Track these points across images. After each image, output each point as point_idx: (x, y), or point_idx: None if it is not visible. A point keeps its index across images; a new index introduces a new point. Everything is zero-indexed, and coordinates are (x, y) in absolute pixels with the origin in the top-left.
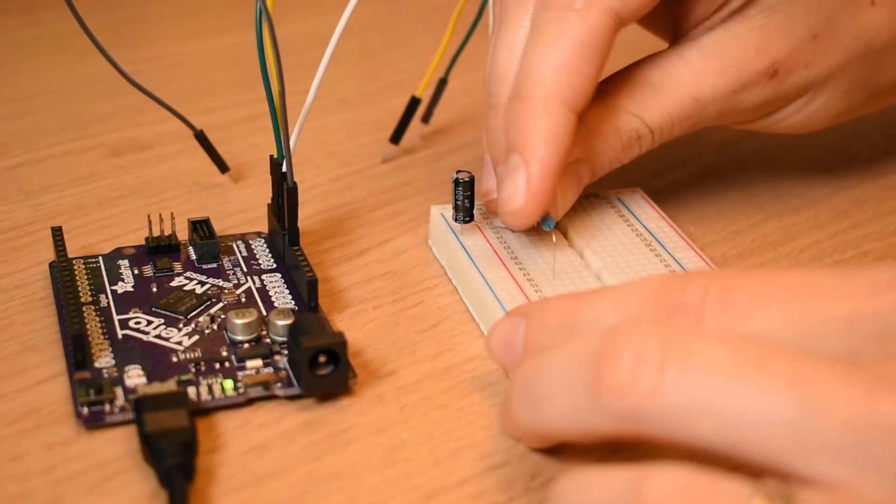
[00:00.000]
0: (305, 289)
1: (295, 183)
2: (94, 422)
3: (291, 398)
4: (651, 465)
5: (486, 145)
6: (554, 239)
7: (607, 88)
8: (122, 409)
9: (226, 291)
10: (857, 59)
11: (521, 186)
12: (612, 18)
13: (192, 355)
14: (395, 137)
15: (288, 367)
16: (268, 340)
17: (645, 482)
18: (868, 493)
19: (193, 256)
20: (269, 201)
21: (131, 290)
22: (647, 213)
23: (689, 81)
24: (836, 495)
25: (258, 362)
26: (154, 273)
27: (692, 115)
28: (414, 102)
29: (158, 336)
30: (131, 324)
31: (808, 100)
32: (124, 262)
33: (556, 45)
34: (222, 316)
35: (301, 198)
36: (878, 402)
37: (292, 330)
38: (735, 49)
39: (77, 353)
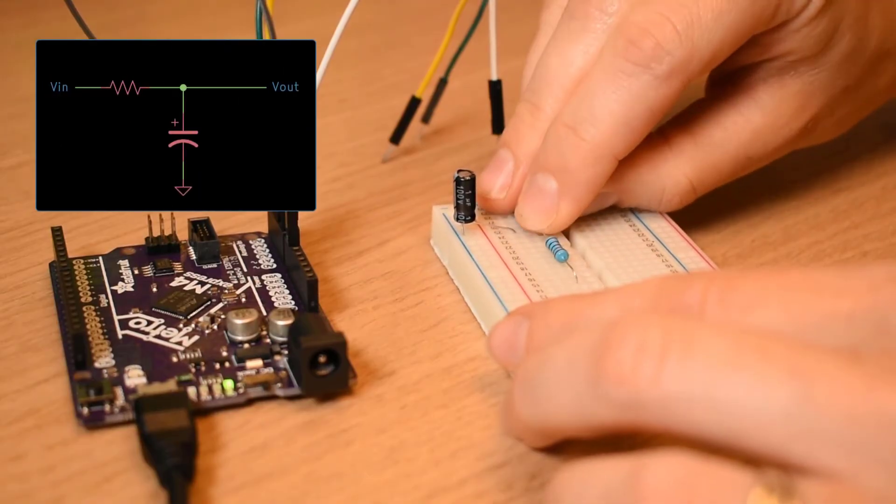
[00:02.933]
0: (305, 289)
1: None
2: (94, 422)
3: (291, 398)
4: (650, 454)
5: (504, 134)
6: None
7: (666, 135)
8: (122, 410)
9: (226, 291)
10: (858, 110)
11: (545, 207)
12: (684, 84)
13: (192, 355)
14: (396, 137)
15: (288, 367)
16: (268, 340)
17: (644, 471)
18: (868, 485)
19: (193, 256)
20: None
21: (131, 290)
22: (649, 213)
23: (748, 141)
24: (835, 486)
25: (258, 362)
26: (154, 273)
27: (738, 171)
28: (414, 102)
29: (158, 336)
30: (131, 324)
31: (819, 132)
32: (124, 262)
33: (625, 102)
34: (222, 316)
35: None
36: (879, 394)
37: (292, 330)
38: (789, 107)
39: (77, 353)
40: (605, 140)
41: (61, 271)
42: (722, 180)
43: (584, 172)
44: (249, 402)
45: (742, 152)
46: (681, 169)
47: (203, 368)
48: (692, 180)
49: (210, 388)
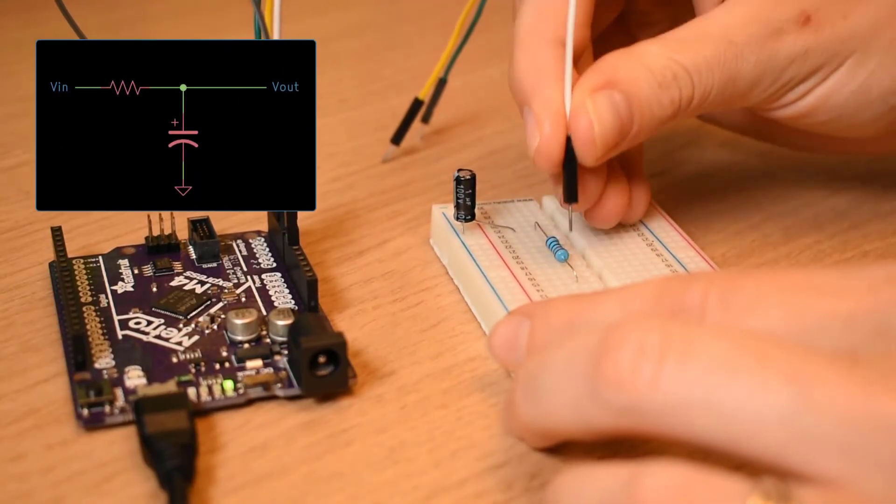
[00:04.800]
0: (305, 289)
1: None
2: (94, 423)
3: (291, 398)
4: (648, 463)
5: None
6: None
7: (635, 45)
8: (122, 411)
9: (226, 291)
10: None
11: (533, 128)
12: None
13: (192, 356)
14: (397, 138)
15: (288, 367)
16: (268, 340)
17: (641, 479)
18: (866, 490)
19: (193, 256)
20: None
21: (131, 290)
22: (649, 212)
23: (721, 29)
24: (834, 493)
25: (258, 362)
26: (154, 273)
27: (729, 60)
28: (417, 104)
29: (158, 336)
30: (131, 324)
31: (860, 60)
32: (124, 262)
33: None
34: (222, 316)
35: None
36: (877, 399)
37: (292, 330)
38: (760, 2)
39: (77, 354)
40: (525, 31)
41: (61, 271)
42: (714, 66)
43: (523, 67)
44: (249, 402)
45: (718, 37)
46: (658, 53)
47: (203, 369)
48: (676, 59)
49: (210, 388)
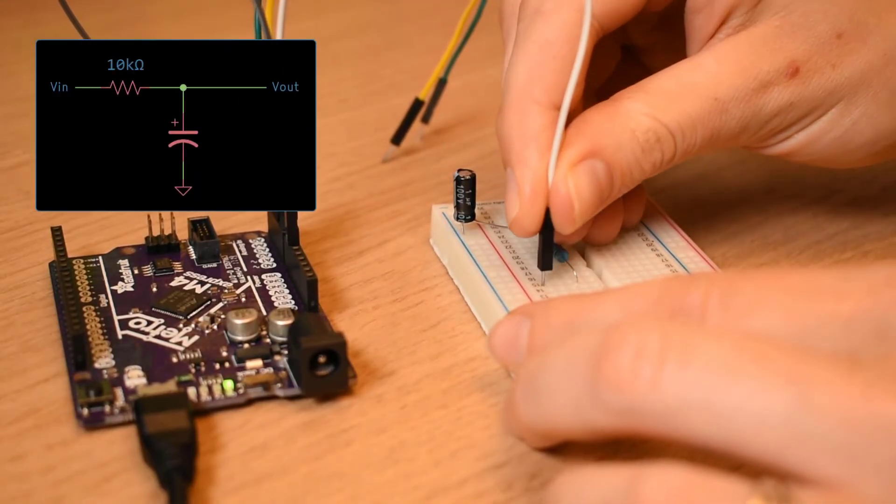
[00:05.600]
0: (305, 289)
1: None
2: (93, 423)
3: (291, 398)
4: (648, 465)
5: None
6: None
7: (618, 98)
8: (122, 410)
9: (226, 291)
10: (894, 63)
11: (513, 194)
12: (580, 15)
13: (192, 355)
14: (397, 138)
15: (288, 367)
16: (268, 340)
17: (641, 481)
18: (865, 492)
19: (193, 256)
20: None
21: (131, 290)
22: (650, 213)
23: (707, 83)
24: (833, 495)
25: (258, 362)
26: (154, 273)
27: (713, 118)
28: (417, 104)
29: (158, 336)
30: (131, 324)
31: (844, 109)
32: (124, 262)
33: (524, 48)
34: (222, 316)
35: None
36: (876, 402)
37: (292, 330)
38: (750, 49)
39: (77, 354)
40: (517, 91)
41: (61, 271)
42: (698, 124)
43: (512, 130)
44: (249, 402)
45: (704, 93)
46: (642, 111)
47: (203, 369)
48: (660, 119)
49: (210, 388)
